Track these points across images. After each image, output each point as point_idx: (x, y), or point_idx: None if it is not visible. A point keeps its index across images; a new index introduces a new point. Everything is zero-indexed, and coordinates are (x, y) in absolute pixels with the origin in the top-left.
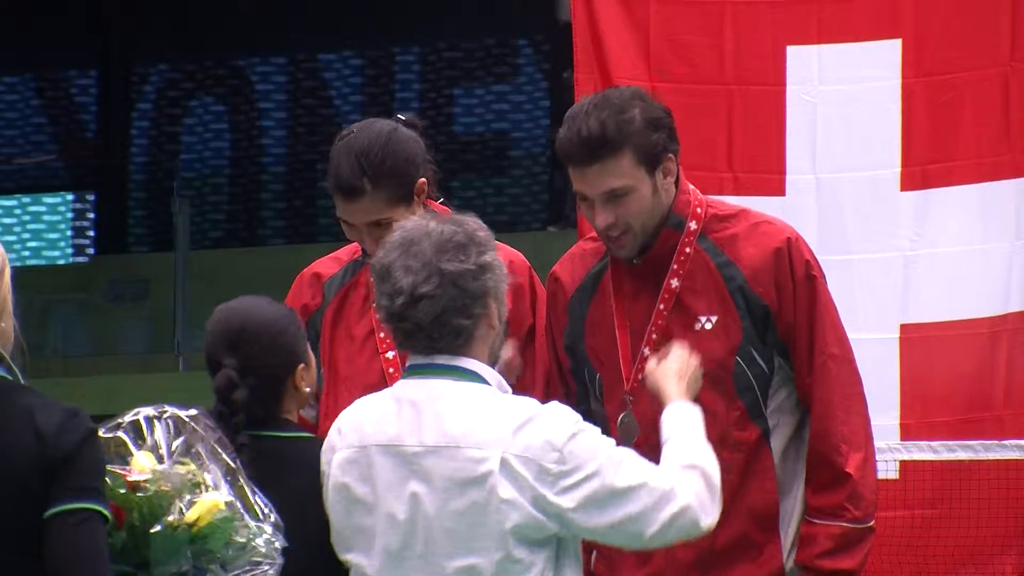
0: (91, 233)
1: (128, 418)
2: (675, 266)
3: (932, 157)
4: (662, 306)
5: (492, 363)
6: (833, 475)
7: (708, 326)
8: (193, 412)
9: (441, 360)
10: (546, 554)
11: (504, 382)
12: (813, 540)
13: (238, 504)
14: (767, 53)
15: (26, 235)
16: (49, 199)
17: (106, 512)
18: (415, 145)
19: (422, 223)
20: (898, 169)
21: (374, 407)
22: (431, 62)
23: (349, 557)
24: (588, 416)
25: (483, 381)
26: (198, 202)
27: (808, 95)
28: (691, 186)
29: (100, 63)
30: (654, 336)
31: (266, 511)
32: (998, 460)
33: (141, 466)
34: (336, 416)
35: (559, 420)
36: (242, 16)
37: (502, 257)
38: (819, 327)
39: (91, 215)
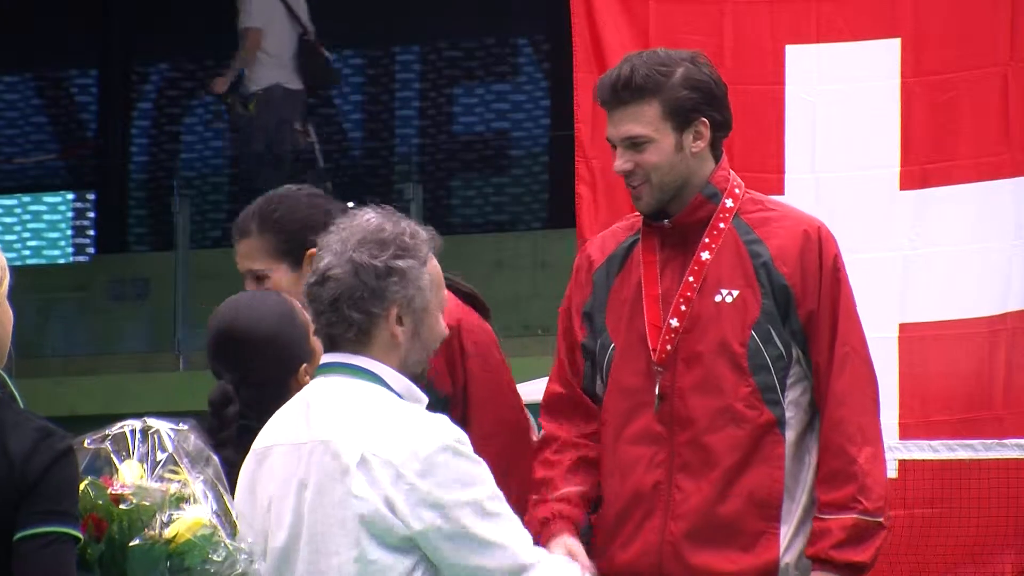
0: (91, 232)
1: (114, 430)
2: (707, 239)
3: (931, 156)
4: (691, 278)
5: (409, 374)
6: (844, 464)
7: (728, 299)
8: (182, 427)
9: (340, 358)
10: (409, 563)
11: (415, 389)
12: (826, 533)
13: (217, 523)
14: (766, 52)
15: (26, 234)
16: (49, 198)
17: (75, 533)
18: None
19: (369, 216)
20: (897, 168)
21: (282, 411)
22: (431, 61)
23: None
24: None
25: (380, 381)
26: (198, 201)
27: (807, 94)
28: (733, 172)
29: (100, 63)
30: (682, 307)
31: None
32: (998, 459)
33: (126, 478)
34: None
35: (435, 432)
36: None
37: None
38: (843, 319)
39: (91, 214)
